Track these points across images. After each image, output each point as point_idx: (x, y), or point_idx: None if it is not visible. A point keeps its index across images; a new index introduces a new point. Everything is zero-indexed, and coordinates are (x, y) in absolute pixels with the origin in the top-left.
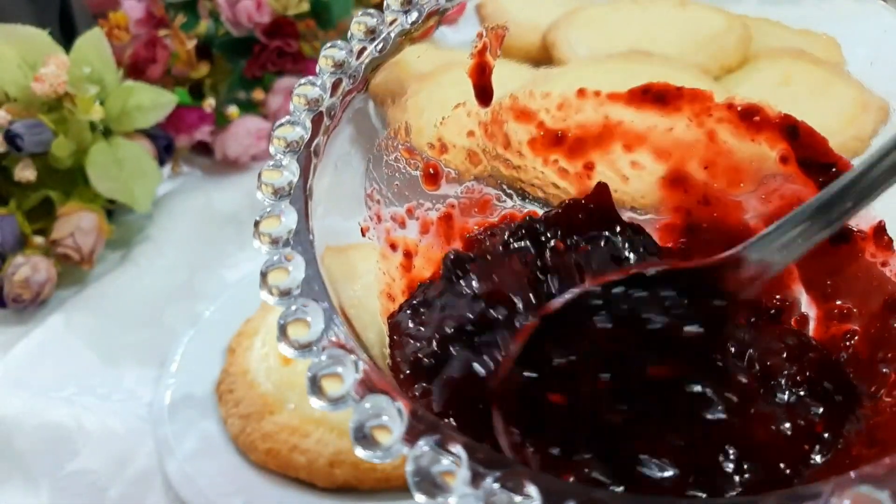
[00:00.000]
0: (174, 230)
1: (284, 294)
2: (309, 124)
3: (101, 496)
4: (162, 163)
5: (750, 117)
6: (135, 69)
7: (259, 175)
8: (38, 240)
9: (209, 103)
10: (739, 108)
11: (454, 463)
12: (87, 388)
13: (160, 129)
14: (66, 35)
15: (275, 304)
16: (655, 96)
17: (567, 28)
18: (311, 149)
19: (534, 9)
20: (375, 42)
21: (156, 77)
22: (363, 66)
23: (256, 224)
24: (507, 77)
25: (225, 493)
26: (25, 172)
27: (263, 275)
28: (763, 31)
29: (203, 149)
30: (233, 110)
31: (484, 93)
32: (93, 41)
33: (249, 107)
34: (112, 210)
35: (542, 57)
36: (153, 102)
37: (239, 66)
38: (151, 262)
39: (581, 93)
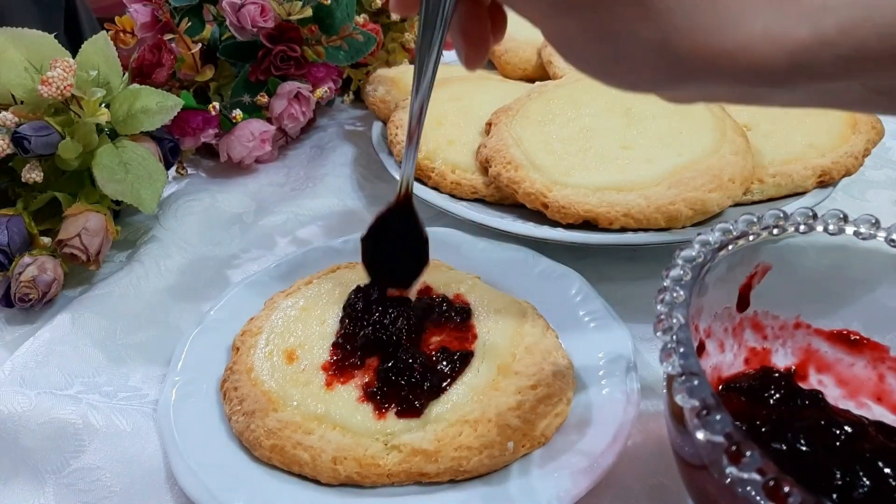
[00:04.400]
0: (179, 231)
1: None
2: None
3: (107, 493)
4: (167, 165)
5: None
6: (140, 73)
7: None
8: (45, 240)
9: (214, 106)
10: None
11: None
12: (94, 386)
13: (166, 132)
14: (72, 39)
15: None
16: (846, 339)
17: None
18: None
19: (531, 28)
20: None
21: (161, 80)
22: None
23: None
24: (508, 93)
25: (229, 489)
26: (32, 174)
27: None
28: None
29: (208, 151)
30: (237, 113)
31: (742, 303)
32: (99, 45)
33: (253, 110)
34: (118, 211)
35: (540, 73)
36: (159, 105)
37: (243, 70)
38: (157, 262)
39: (797, 325)
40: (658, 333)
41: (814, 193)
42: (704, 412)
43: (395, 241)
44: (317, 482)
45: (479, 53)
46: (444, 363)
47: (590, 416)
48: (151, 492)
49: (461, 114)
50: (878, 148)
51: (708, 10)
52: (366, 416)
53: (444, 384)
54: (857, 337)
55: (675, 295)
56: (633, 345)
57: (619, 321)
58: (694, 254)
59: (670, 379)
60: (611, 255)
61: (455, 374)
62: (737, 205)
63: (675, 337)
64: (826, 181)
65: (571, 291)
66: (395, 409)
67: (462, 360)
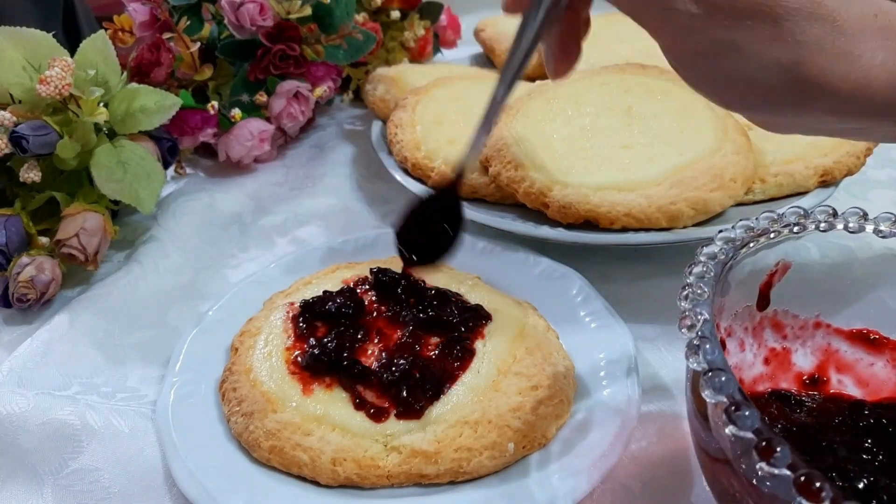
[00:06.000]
0: (178, 231)
1: None
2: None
3: (105, 494)
4: (166, 165)
5: None
6: (139, 72)
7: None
8: (43, 240)
9: (213, 106)
10: None
11: None
12: (92, 386)
13: (164, 132)
14: (71, 38)
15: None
16: (865, 338)
17: None
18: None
19: None
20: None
21: (160, 80)
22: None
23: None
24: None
25: (228, 491)
26: (30, 173)
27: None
28: None
29: (206, 151)
30: (236, 113)
31: (763, 302)
32: (97, 44)
33: (252, 109)
34: (116, 211)
35: (541, 72)
36: (157, 105)
37: (242, 69)
38: (155, 262)
39: (817, 324)
40: (683, 330)
41: (815, 193)
42: (733, 408)
43: (436, 220)
44: (316, 483)
45: (568, 63)
46: (444, 364)
47: (591, 417)
48: (150, 493)
49: (461, 113)
50: (879, 147)
51: (837, 39)
52: (365, 417)
53: (444, 385)
54: (877, 336)
55: (699, 291)
56: (635, 345)
57: (621, 321)
58: (717, 250)
59: (696, 375)
60: (612, 255)
61: (455, 374)
62: (738, 204)
63: (700, 333)
64: (828, 181)
65: (572, 292)
66: (394, 411)
67: (462, 360)
